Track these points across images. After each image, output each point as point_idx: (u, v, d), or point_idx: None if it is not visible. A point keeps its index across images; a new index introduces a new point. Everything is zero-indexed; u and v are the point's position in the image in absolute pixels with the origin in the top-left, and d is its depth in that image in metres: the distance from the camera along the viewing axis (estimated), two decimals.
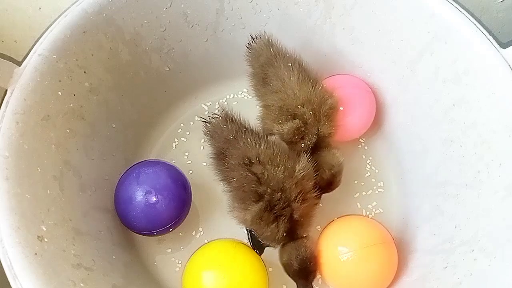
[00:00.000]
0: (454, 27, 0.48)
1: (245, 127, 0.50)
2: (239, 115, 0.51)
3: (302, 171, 0.47)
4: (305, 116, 0.51)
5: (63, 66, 0.48)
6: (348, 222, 0.54)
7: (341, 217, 0.56)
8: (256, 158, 0.47)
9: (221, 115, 0.51)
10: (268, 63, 0.53)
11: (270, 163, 0.47)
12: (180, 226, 0.54)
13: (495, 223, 0.44)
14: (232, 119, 0.50)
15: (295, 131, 0.50)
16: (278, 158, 0.47)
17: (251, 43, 0.55)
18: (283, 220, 0.47)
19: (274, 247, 0.54)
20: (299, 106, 0.51)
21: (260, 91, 0.55)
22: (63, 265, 0.42)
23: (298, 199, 0.46)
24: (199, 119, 0.64)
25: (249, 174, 0.46)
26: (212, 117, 0.51)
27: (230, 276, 0.48)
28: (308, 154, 0.50)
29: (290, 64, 0.52)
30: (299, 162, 0.48)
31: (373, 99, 0.60)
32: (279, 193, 0.46)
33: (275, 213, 0.46)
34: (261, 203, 0.46)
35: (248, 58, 0.56)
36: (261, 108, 0.55)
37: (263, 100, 0.55)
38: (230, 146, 0.48)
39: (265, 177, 0.46)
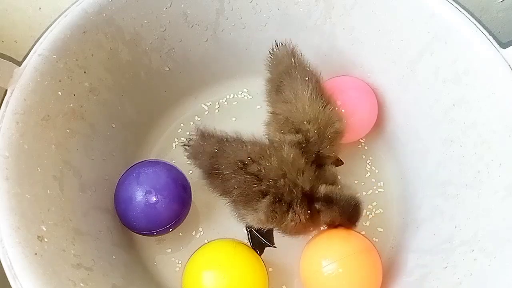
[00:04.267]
0: (454, 27, 0.48)
1: (225, 137, 0.50)
2: (214, 128, 0.51)
3: (290, 153, 0.47)
4: (308, 134, 0.50)
5: (63, 66, 0.48)
6: (329, 235, 0.52)
7: (322, 231, 0.54)
8: (248, 158, 0.47)
9: (197, 134, 0.51)
10: (286, 71, 0.53)
11: (262, 158, 0.47)
12: (180, 226, 0.54)
13: (495, 223, 0.44)
14: (208, 134, 0.51)
15: (296, 144, 0.50)
16: (267, 151, 0.47)
17: (274, 49, 0.55)
18: (297, 202, 0.46)
19: (275, 247, 0.54)
20: (305, 122, 0.50)
21: (272, 97, 0.55)
22: (63, 265, 0.42)
23: (300, 175, 0.46)
24: (199, 119, 0.64)
25: (247, 176, 0.46)
26: (189, 139, 0.51)
27: (230, 276, 0.48)
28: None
29: (307, 78, 0.52)
30: (283, 148, 0.48)
31: (375, 101, 0.59)
32: (282, 180, 0.46)
33: (286, 200, 0.46)
34: (268, 197, 0.46)
35: (268, 63, 0.56)
36: (269, 114, 0.55)
37: (273, 107, 0.54)
38: (219, 158, 0.48)
39: (263, 172, 0.46)
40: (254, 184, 0.46)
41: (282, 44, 0.55)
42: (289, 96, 0.52)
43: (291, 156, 0.47)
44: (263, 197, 0.46)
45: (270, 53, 0.56)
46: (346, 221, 0.50)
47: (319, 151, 0.50)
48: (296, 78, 0.52)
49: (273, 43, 0.55)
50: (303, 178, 0.47)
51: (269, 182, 0.46)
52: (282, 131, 0.51)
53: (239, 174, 0.47)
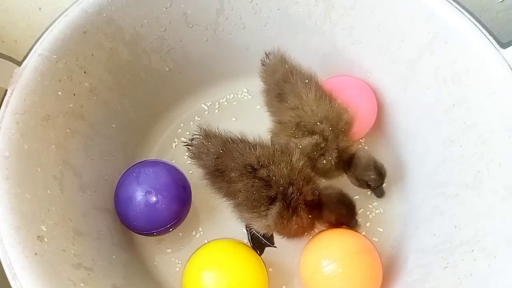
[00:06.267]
0: (454, 27, 0.48)
1: (230, 138, 0.49)
2: (217, 128, 0.51)
3: (299, 160, 0.48)
4: (324, 133, 0.51)
5: (63, 66, 0.48)
6: (329, 235, 0.53)
7: (322, 231, 0.54)
8: (258, 162, 0.46)
9: (201, 133, 0.50)
10: (284, 79, 0.53)
11: (271, 163, 0.47)
12: (180, 226, 0.54)
13: (495, 223, 0.44)
14: (212, 133, 0.50)
15: (314, 146, 0.50)
16: (276, 156, 0.47)
17: (265, 59, 0.55)
18: (301, 208, 0.47)
19: (275, 246, 0.54)
20: (318, 123, 0.51)
21: (275, 107, 0.55)
22: (63, 265, 0.42)
23: (305, 184, 0.47)
24: (199, 119, 0.64)
25: (256, 180, 0.46)
26: (192, 139, 0.51)
27: (230, 276, 0.48)
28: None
29: (307, 81, 0.53)
30: (294, 153, 0.48)
31: (375, 100, 0.59)
32: (291, 187, 0.46)
33: (293, 206, 0.46)
34: (278, 203, 0.46)
35: (262, 75, 0.56)
36: (273, 123, 0.55)
37: (277, 116, 0.54)
38: (225, 159, 0.48)
39: (273, 179, 0.46)
40: (262, 189, 0.46)
41: (272, 53, 0.55)
42: (294, 103, 0.52)
43: (301, 164, 0.47)
44: (270, 203, 0.46)
45: (262, 64, 0.56)
46: (344, 220, 0.51)
47: (338, 146, 0.52)
48: (296, 84, 0.52)
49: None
50: (307, 188, 0.47)
51: (278, 188, 0.46)
52: (296, 136, 0.52)
53: (247, 177, 0.46)
